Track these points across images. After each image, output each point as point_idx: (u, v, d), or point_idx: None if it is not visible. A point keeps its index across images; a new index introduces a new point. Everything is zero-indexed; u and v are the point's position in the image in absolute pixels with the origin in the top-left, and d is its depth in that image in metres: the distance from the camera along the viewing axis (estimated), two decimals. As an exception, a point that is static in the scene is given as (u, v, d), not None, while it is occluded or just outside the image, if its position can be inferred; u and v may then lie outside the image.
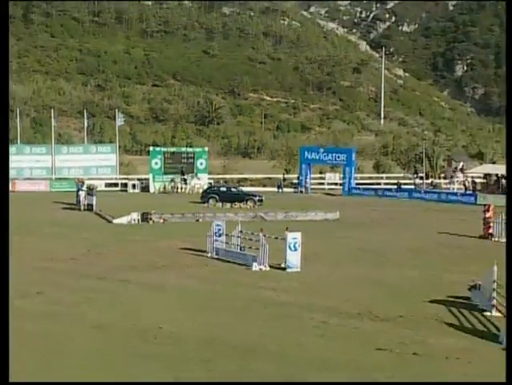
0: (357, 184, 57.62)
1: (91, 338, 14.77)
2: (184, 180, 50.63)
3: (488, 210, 33.41)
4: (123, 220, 34.69)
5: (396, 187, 55.84)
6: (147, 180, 53.40)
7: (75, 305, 17.53)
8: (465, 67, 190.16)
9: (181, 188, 50.97)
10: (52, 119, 56.95)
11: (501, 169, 50.25)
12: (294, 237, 22.29)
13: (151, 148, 56.54)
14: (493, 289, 17.44)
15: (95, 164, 53.42)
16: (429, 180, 59.18)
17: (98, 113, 77.40)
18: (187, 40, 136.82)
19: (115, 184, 53.62)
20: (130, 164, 61.04)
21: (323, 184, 60.06)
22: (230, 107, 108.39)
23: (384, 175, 64.58)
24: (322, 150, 58.59)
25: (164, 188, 51.42)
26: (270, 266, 22.78)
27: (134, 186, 52.78)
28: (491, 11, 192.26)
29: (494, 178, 51.86)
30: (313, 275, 22.08)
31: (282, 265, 22.61)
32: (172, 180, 51.41)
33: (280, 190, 55.50)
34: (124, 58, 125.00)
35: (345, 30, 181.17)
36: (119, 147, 58.36)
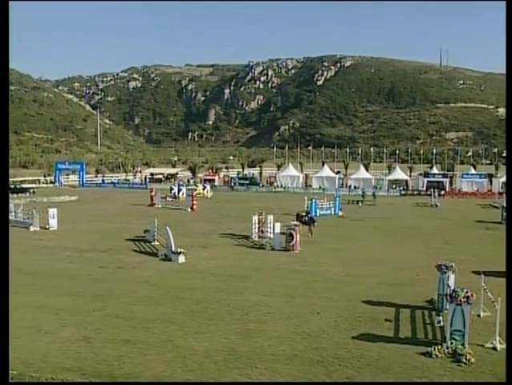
0: (87, 180, 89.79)
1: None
2: None
3: (152, 191, 56.77)
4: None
5: (101, 181, 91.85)
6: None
7: None
8: (139, 119, 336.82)
9: None
10: None
11: (160, 170, 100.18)
12: (53, 211, 38.32)
13: None
14: (155, 231, 34.03)
15: None
16: (126, 176, 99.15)
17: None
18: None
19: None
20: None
21: (67, 180, 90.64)
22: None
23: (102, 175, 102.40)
24: (67, 163, 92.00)
25: None
26: (40, 227, 38.66)
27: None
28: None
29: (158, 176, 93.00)
30: (64, 230, 38.05)
31: (47, 226, 38.43)
32: None
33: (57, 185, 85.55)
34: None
35: (77, 98, 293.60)
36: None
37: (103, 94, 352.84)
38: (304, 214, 39.15)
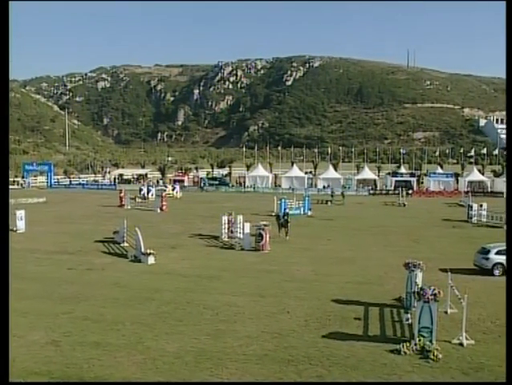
0: (55, 182, 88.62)
1: None
2: None
3: (121, 192, 56.51)
4: None
5: (70, 181, 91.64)
6: None
7: None
8: (108, 120, 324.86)
9: None
10: None
11: (129, 171, 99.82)
12: (20, 213, 37.80)
13: None
14: (124, 232, 33.58)
15: None
16: (95, 177, 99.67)
17: None
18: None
19: None
20: None
21: (35, 182, 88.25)
22: None
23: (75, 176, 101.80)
24: (35, 164, 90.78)
25: None
26: (9, 230, 37.57)
27: None
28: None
29: (130, 176, 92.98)
30: (32, 233, 37.51)
31: (14, 229, 37.65)
32: None
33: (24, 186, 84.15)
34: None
35: (45, 99, 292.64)
36: None
37: (71, 94, 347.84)
38: (282, 215, 38.75)
